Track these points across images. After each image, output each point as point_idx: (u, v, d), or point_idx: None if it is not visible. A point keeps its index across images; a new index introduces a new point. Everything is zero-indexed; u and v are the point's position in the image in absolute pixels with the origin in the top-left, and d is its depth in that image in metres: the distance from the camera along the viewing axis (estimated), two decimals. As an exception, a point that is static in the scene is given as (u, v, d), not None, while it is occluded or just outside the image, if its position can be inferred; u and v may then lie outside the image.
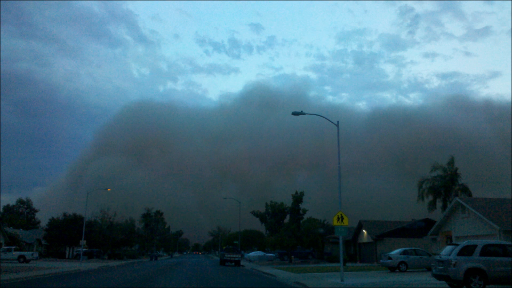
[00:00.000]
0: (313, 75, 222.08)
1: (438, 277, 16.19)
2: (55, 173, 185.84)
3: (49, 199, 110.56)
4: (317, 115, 25.11)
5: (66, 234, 59.82)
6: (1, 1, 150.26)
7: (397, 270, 28.24)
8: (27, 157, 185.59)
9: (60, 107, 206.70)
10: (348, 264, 41.36)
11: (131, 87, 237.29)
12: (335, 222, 20.90)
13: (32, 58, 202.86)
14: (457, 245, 16.13)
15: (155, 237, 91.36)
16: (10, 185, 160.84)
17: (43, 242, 65.55)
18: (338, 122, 23.06)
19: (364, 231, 48.91)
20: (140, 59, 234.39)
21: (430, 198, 43.72)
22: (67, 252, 66.91)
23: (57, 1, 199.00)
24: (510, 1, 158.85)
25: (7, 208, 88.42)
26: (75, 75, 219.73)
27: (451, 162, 43.70)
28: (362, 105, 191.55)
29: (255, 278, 25.21)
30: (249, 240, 78.81)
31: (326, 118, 23.61)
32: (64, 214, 64.07)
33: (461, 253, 15.38)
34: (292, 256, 52.79)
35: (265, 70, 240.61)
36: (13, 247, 45.99)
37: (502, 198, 34.27)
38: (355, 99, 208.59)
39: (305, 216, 52.23)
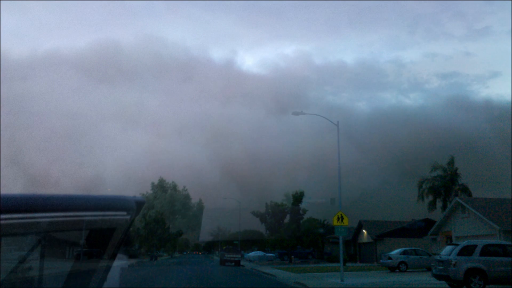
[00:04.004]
0: (313, 75, 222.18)
1: (438, 277, 16.19)
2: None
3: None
4: (317, 115, 25.13)
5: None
6: (1, 1, 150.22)
7: (397, 270, 28.23)
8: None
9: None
10: (348, 264, 41.31)
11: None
12: (335, 222, 20.90)
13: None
14: (457, 245, 16.15)
15: (155, 237, 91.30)
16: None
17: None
18: (338, 122, 23.07)
19: (364, 231, 48.92)
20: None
21: (430, 198, 43.74)
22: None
23: (57, 1, 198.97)
24: (510, 1, 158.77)
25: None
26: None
27: (451, 162, 43.70)
28: (362, 105, 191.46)
29: (255, 278, 25.22)
30: (249, 240, 78.73)
31: (326, 118, 23.62)
32: (64, 214, 64.04)
33: (461, 253, 15.38)
34: (292, 256, 52.76)
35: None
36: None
37: (502, 198, 34.21)
38: (355, 99, 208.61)
39: (305, 216, 52.19)
